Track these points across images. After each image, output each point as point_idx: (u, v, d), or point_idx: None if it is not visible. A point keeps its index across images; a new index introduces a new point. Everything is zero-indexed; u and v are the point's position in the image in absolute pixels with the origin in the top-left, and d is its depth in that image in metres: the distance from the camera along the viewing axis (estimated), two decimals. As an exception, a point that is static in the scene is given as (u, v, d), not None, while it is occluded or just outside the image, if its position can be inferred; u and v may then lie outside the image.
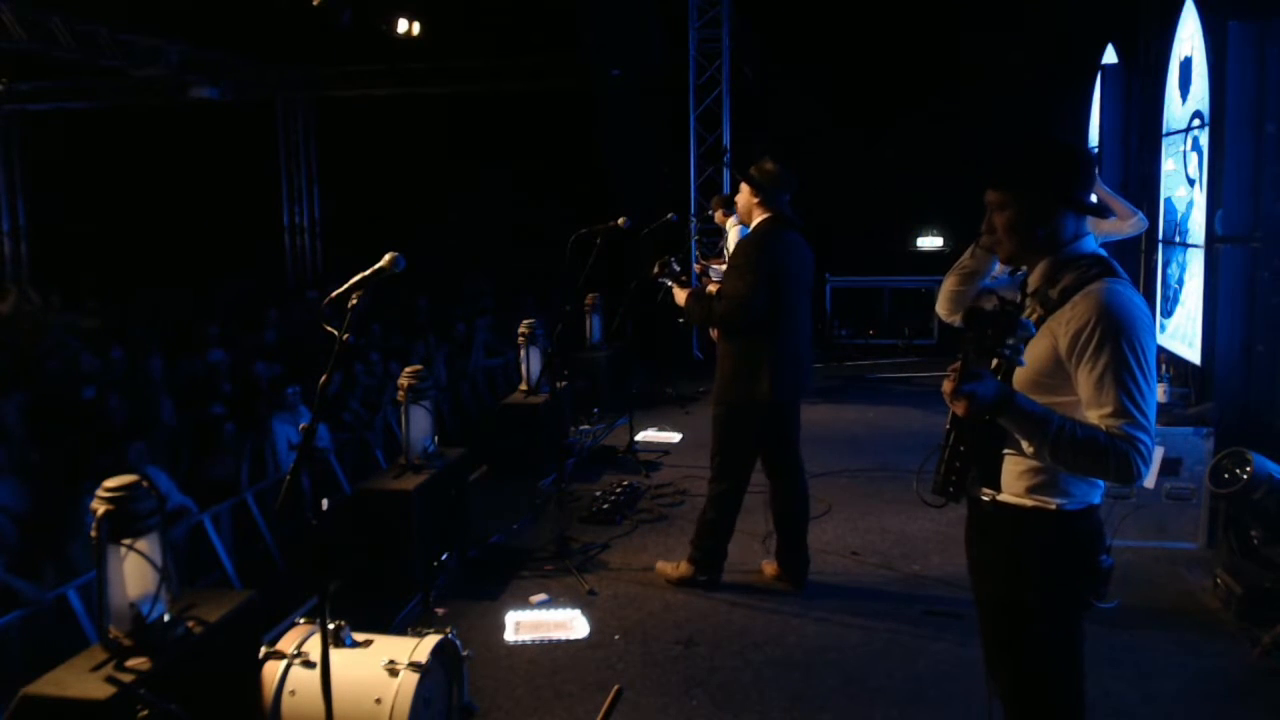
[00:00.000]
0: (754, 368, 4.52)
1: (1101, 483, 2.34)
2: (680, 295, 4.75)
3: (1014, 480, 2.36)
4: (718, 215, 8.61)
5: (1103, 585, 2.34)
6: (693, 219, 11.26)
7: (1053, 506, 2.32)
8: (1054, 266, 2.32)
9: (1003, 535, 2.40)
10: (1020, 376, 2.25)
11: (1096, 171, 2.36)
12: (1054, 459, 2.20)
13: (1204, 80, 5.97)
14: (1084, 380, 2.21)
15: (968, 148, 11.06)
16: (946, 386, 2.17)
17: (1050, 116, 10.80)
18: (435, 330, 10.72)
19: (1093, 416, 2.19)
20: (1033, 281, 2.38)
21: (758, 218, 4.62)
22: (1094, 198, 2.41)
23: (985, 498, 2.39)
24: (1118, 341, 2.17)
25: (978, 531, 2.51)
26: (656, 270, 4.69)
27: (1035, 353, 2.25)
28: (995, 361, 2.16)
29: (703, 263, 8.74)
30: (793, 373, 4.61)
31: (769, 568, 4.91)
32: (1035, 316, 2.29)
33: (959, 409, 2.18)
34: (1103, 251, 2.35)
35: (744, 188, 4.67)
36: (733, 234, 8.39)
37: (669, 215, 4.73)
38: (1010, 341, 2.12)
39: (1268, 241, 5.16)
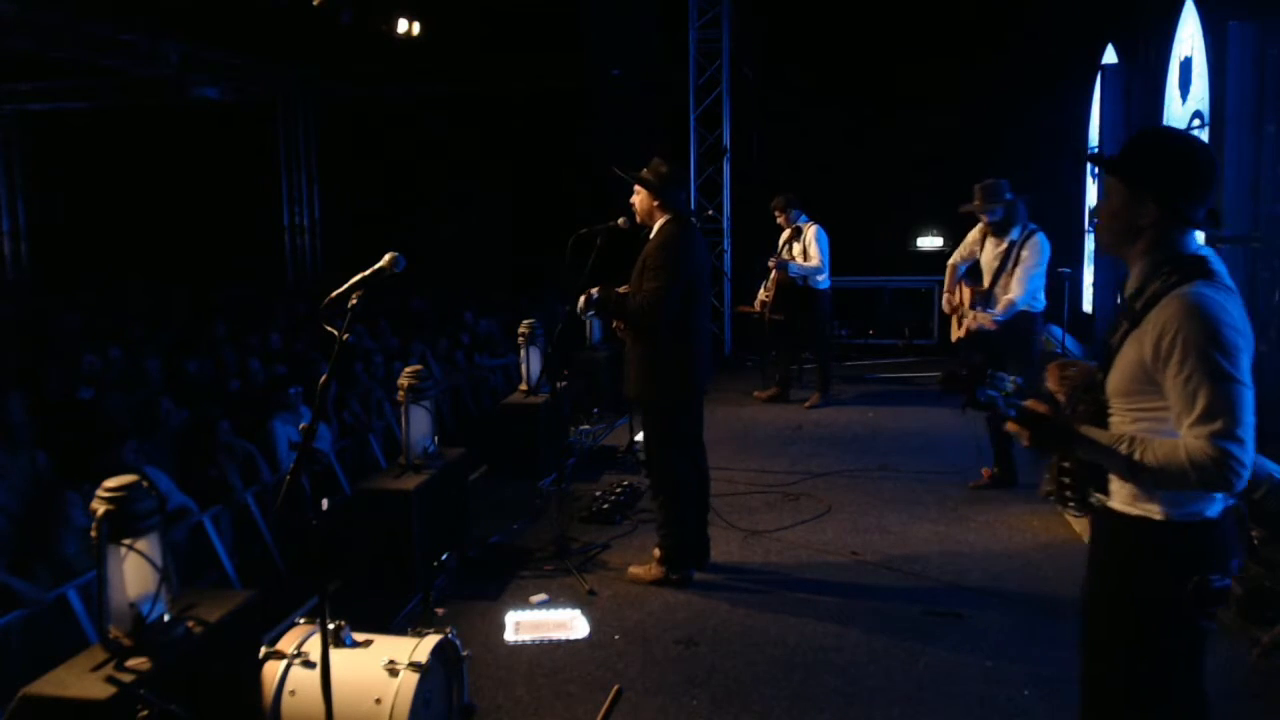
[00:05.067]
0: (674, 365, 4.67)
1: (1220, 495, 2.25)
2: (593, 290, 4.75)
3: (1121, 486, 2.32)
4: (780, 218, 8.68)
5: (1210, 605, 2.24)
6: (693, 219, 11.26)
7: (1158, 516, 2.26)
8: (1149, 269, 2.27)
9: (1114, 541, 2.36)
10: (1113, 386, 2.27)
11: (1210, 182, 2.27)
12: (1137, 482, 2.20)
13: (1204, 80, 5.97)
14: (1170, 389, 2.15)
15: (968, 148, 11.13)
16: (1010, 425, 2.28)
17: (1050, 116, 10.82)
18: (434, 330, 10.72)
19: (1182, 426, 2.14)
20: (1129, 285, 2.34)
21: (660, 219, 4.69)
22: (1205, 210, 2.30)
23: (1098, 503, 2.38)
24: (1201, 347, 2.10)
25: (1097, 531, 2.48)
26: (582, 305, 4.73)
27: (1125, 362, 2.25)
28: (1063, 397, 2.28)
29: (777, 258, 8.79)
30: (706, 366, 4.86)
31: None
32: (1123, 328, 2.27)
33: (1025, 442, 2.27)
34: (1206, 251, 2.27)
35: (640, 190, 4.71)
36: (809, 232, 8.45)
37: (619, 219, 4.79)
38: (989, 395, 2.21)
39: (1268, 241, 5.16)
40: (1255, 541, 4.34)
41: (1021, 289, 5.76)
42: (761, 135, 13.00)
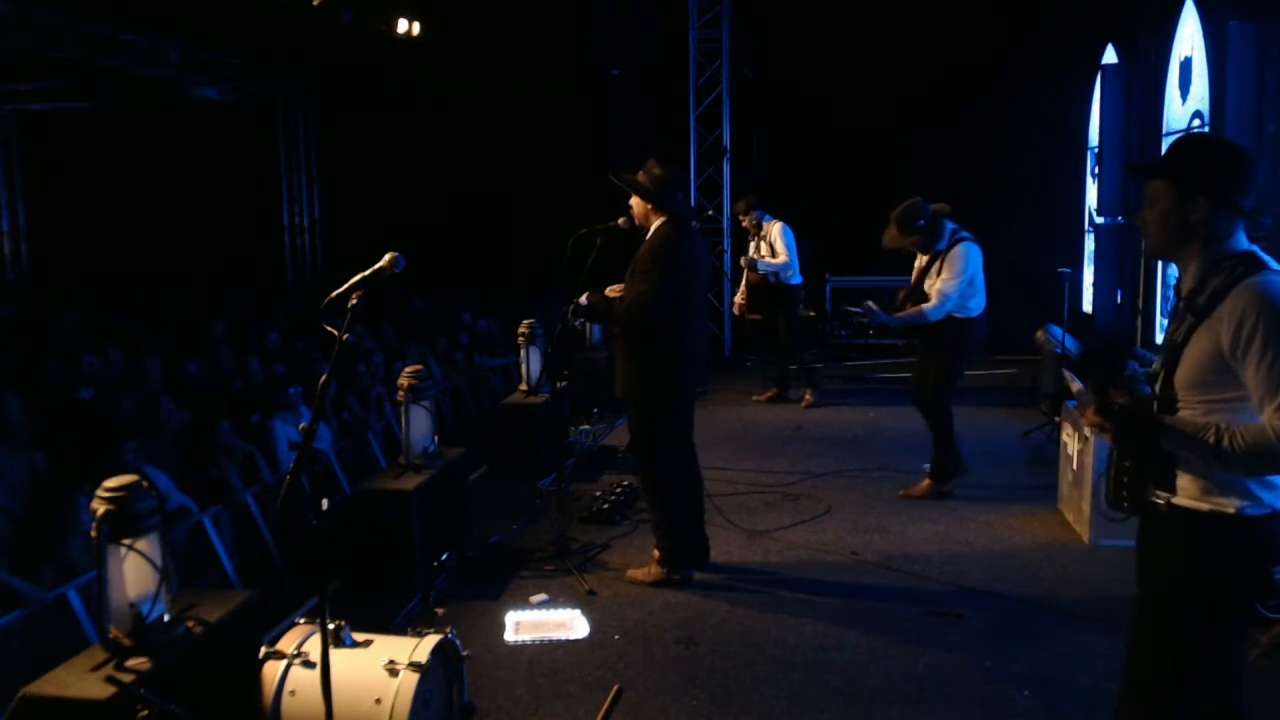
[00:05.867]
0: (663, 366, 4.65)
1: None
2: (582, 298, 4.77)
3: (1190, 482, 2.35)
4: (745, 220, 8.75)
5: (1273, 597, 2.37)
6: (694, 221, 11.27)
7: (1231, 510, 2.30)
8: (1205, 268, 2.34)
9: (1178, 537, 2.39)
10: (1183, 379, 2.32)
11: (1255, 174, 2.39)
12: (1226, 469, 2.24)
13: (1204, 80, 5.97)
14: (1252, 376, 2.21)
15: (968, 147, 11.13)
16: (1090, 418, 2.32)
17: (1050, 116, 10.82)
18: (434, 330, 10.72)
19: (1265, 410, 2.19)
20: (1185, 285, 2.40)
21: (655, 222, 4.67)
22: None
23: (1160, 501, 2.40)
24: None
25: (1151, 531, 2.50)
26: (572, 312, 4.75)
27: (1198, 353, 2.29)
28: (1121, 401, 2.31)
29: (747, 258, 8.88)
30: (697, 369, 4.88)
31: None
32: (1187, 323, 2.33)
33: (1107, 437, 2.32)
34: (1255, 248, 2.36)
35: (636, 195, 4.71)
36: (774, 230, 8.50)
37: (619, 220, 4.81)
38: (1123, 378, 2.25)
39: (1268, 241, 5.16)
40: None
41: (938, 297, 5.73)
42: (761, 135, 13.00)
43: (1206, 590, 2.34)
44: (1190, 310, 2.34)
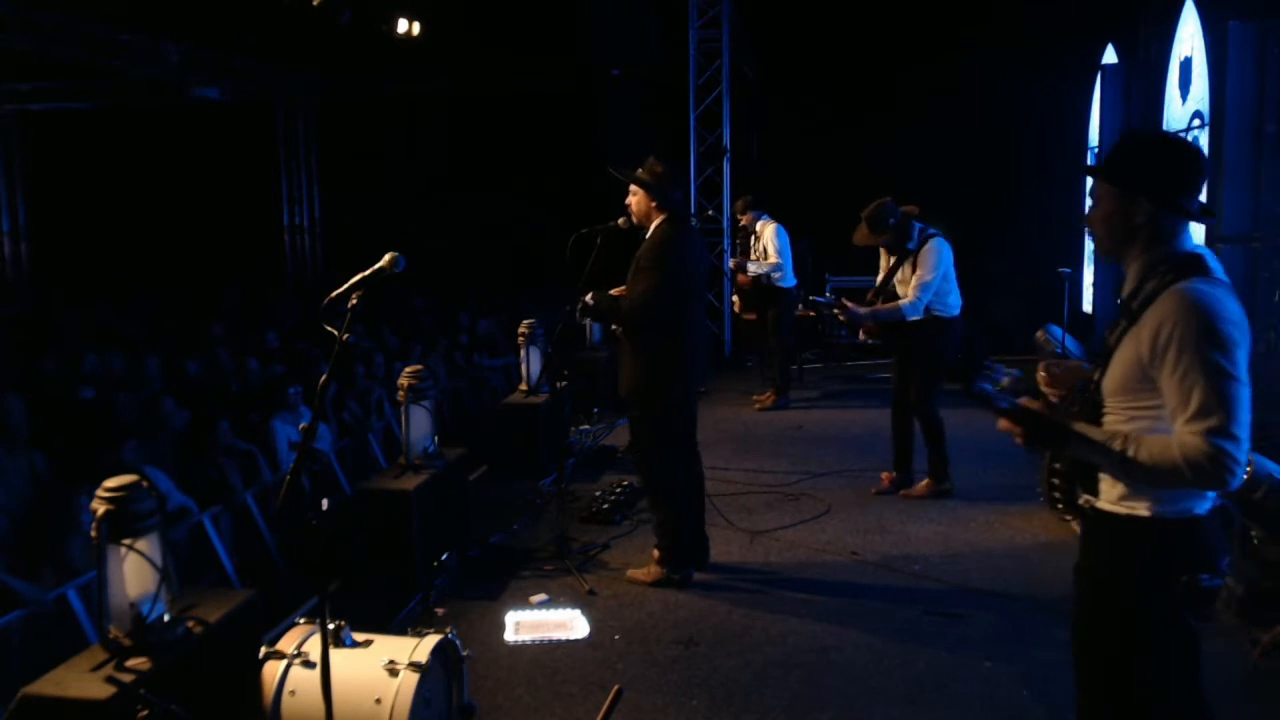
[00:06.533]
0: (666, 364, 4.66)
1: (1211, 492, 2.24)
2: (587, 297, 4.75)
3: (1109, 486, 2.32)
4: (744, 219, 8.75)
5: (1203, 605, 2.24)
6: (693, 218, 11.28)
7: (1145, 514, 2.24)
8: (1144, 270, 2.28)
9: (1102, 543, 2.36)
10: (1110, 385, 2.27)
11: (1200, 175, 2.32)
12: (1132, 481, 2.20)
13: (1204, 80, 5.97)
14: (1165, 385, 2.15)
15: (968, 147, 11.13)
16: (1002, 424, 2.27)
17: (1050, 116, 10.82)
18: (434, 330, 10.72)
19: (1177, 424, 2.12)
20: (1126, 287, 2.35)
21: (656, 219, 4.69)
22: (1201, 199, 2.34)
23: (1086, 505, 2.37)
24: (1197, 343, 2.10)
25: (1084, 537, 2.48)
26: (578, 311, 4.76)
27: (1124, 359, 2.25)
28: (1062, 395, 2.28)
29: (738, 259, 8.90)
30: (699, 367, 4.91)
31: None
32: (1120, 327, 2.28)
33: (1019, 441, 2.26)
34: (1203, 250, 2.29)
35: (637, 191, 4.71)
36: (767, 231, 8.50)
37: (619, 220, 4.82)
38: (982, 388, 2.22)
39: (1268, 241, 5.15)
40: (1255, 541, 4.34)
41: (916, 291, 5.75)
42: (761, 135, 13.00)
43: (1131, 597, 2.28)
44: (1125, 314, 2.29)
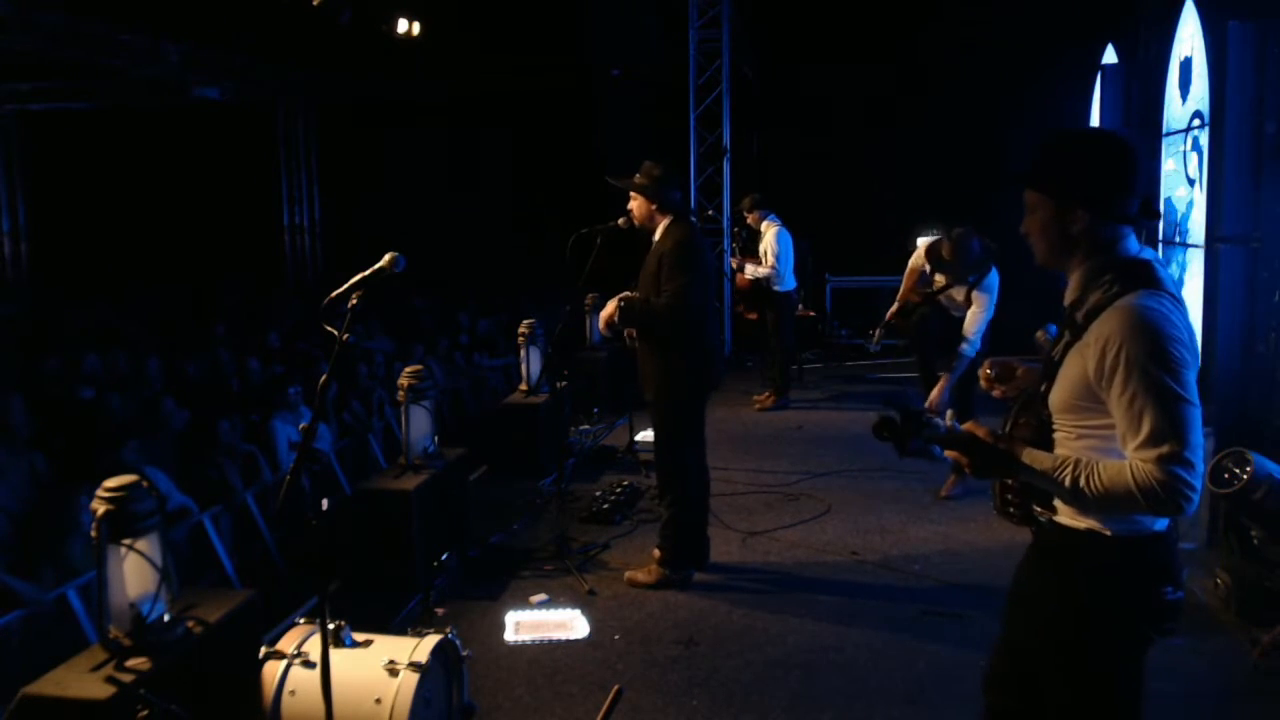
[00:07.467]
0: (694, 363, 4.67)
1: None
2: (611, 305, 4.72)
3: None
4: (750, 217, 8.74)
5: (1167, 620, 2.17)
6: (693, 218, 11.29)
7: (1107, 532, 2.12)
8: (1087, 276, 2.15)
9: (1060, 559, 2.23)
10: (1056, 402, 2.15)
11: (1137, 172, 2.16)
12: (1082, 507, 2.09)
13: (1204, 80, 5.97)
14: (1115, 408, 2.03)
15: (967, 147, 11.13)
16: (949, 453, 2.16)
17: (1050, 116, 10.81)
18: (434, 330, 10.72)
19: (1128, 450, 2.01)
20: (1067, 296, 2.21)
21: (662, 221, 4.69)
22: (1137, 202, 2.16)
23: (1042, 518, 2.25)
24: (1145, 365, 1.98)
25: (1038, 552, 2.34)
26: (611, 313, 4.72)
27: (1070, 376, 2.13)
28: (1010, 425, 2.20)
29: (739, 259, 8.90)
30: (718, 365, 4.98)
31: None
32: (1064, 340, 2.17)
33: (966, 470, 2.17)
34: (1148, 253, 2.16)
35: (637, 196, 4.70)
36: (769, 235, 8.49)
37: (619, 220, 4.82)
38: (919, 446, 2.12)
39: (1268, 241, 5.15)
40: (1255, 541, 4.35)
41: (973, 333, 5.90)
42: (761, 135, 12.99)
43: (1093, 616, 2.16)
44: (1068, 324, 2.15)
